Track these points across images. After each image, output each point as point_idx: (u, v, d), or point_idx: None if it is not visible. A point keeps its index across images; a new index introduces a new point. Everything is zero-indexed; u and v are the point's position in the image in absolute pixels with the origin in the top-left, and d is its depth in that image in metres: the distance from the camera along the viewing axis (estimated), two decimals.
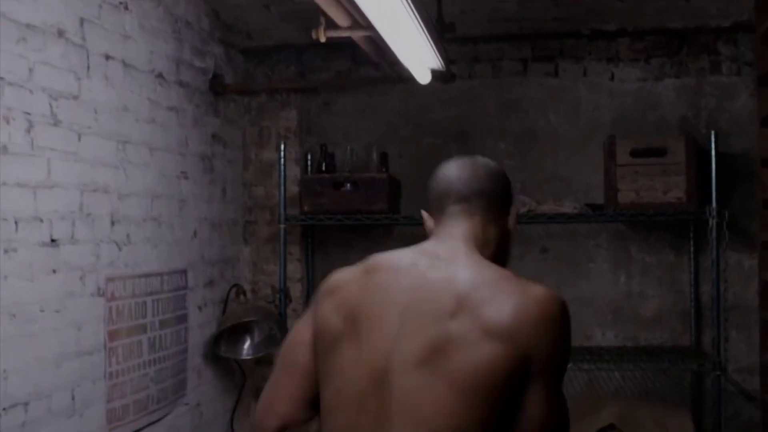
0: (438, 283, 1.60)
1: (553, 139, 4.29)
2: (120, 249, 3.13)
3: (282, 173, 4.02)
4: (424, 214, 1.85)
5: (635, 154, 3.75)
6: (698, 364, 3.81)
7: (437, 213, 1.79)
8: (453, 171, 1.80)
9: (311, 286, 4.43)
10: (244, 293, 4.02)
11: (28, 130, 2.59)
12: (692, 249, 4.11)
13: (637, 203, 3.74)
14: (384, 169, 4.08)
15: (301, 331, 1.74)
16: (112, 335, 3.04)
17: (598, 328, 4.22)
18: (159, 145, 3.46)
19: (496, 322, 1.50)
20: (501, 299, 1.52)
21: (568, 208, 4.08)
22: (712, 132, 3.72)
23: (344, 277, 1.73)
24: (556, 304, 1.55)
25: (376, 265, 1.70)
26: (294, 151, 4.39)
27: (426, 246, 1.73)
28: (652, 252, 4.21)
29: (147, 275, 3.32)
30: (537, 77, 4.31)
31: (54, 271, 2.72)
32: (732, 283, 4.03)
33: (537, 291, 1.56)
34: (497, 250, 1.76)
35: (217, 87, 4.04)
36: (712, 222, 3.65)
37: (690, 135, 3.80)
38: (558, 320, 1.54)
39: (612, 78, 4.25)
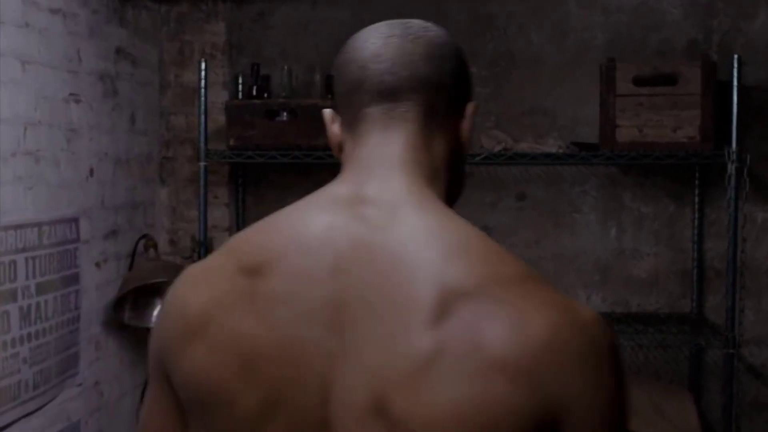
0: (397, 258, 0.92)
1: (535, 64, 3.55)
2: None
3: (203, 99, 3.25)
4: (327, 114, 1.12)
5: (639, 81, 3.04)
6: (705, 340, 3.17)
7: (347, 117, 1.08)
8: (371, 44, 1.05)
9: None
10: (155, 246, 3.28)
11: None
12: (697, 198, 3.44)
13: (640, 142, 3.05)
14: (329, 96, 3.33)
15: (152, 418, 1.06)
16: None
17: (583, 291, 3.55)
18: (36, 58, 2.67)
19: (509, 347, 0.86)
20: (518, 310, 0.88)
21: (552, 147, 3.40)
22: (735, 57, 3.02)
23: (211, 295, 0.98)
24: (608, 332, 0.92)
25: (263, 257, 0.97)
26: (221, 72, 3.61)
27: (343, 189, 1.01)
28: (649, 201, 3.53)
29: (17, 226, 2.56)
30: None
31: None
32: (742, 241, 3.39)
33: (578, 308, 0.92)
34: (448, 181, 1.06)
35: None
36: (731, 167, 2.97)
37: (708, 59, 3.10)
38: (612, 359, 0.91)
39: None
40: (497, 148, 3.46)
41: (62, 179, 2.84)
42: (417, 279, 0.90)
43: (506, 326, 0.87)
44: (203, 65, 3.24)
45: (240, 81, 3.57)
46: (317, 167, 3.52)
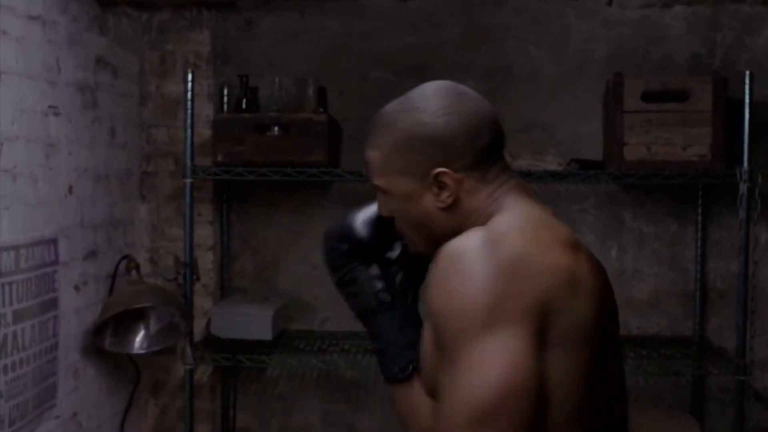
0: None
1: (533, 78, 3.43)
2: None
3: (189, 112, 3.07)
4: (450, 175, 1.34)
5: (648, 97, 2.93)
6: (712, 365, 3.05)
7: (482, 169, 1.35)
8: (480, 104, 1.37)
9: (226, 255, 3.52)
10: (138, 267, 3.09)
11: None
12: (700, 218, 3.33)
13: (648, 161, 2.93)
14: (322, 110, 3.17)
15: (527, 373, 1.18)
16: None
17: None
18: (13, 67, 2.48)
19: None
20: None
21: (551, 163, 3.26)
22: (747, 72, 2.91)
23: (570, 257, 1.27)
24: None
25: (573, 238, 1.33)
26: (206, 83, 3.43)
27: (529, 215, 1.35)
28: (650, 220, 3.42)
29: None
30: None
31: None
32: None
33: None
34: None
35: None
36: (743, 187, 2.86)
37: (718, 74, 2.99)
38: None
39: (610, 2, 3.40)
40: None
41: (40, 198, 2.65)
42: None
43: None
44: (190, 76, 3.07)
45: (225, 93, 3.41)
46: (303, 184, 3.37)
